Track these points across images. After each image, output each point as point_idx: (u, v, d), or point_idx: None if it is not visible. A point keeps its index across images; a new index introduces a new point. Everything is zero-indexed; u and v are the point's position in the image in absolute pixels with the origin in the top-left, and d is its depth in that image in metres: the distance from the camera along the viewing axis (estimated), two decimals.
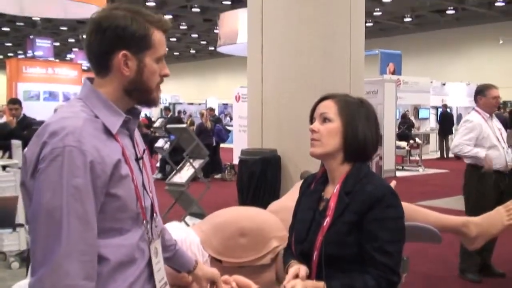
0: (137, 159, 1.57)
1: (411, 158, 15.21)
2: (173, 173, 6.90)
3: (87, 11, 11.31)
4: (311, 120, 1.85)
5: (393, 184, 2.70)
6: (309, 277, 1.72)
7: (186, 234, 2.56)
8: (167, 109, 16.39)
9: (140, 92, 1.54)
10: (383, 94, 13.40)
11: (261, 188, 6.52)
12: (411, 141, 14.96)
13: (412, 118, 17.48)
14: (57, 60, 17.66)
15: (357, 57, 7.39)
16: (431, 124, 19.48)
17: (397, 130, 14.71)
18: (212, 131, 12.59)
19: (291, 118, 6.73)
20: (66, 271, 1.33)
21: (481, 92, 4.99)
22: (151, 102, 1.58)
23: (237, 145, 11.88)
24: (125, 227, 1.50)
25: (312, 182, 1.89)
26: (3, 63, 21.96)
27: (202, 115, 12.88)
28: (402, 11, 23.23)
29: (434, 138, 19.17)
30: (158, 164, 12.86)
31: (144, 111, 27.31)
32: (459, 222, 2.39)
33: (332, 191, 1.77)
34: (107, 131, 1.47)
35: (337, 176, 1.78)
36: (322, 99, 1.85)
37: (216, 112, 21.61)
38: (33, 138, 1.44)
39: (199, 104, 25.81)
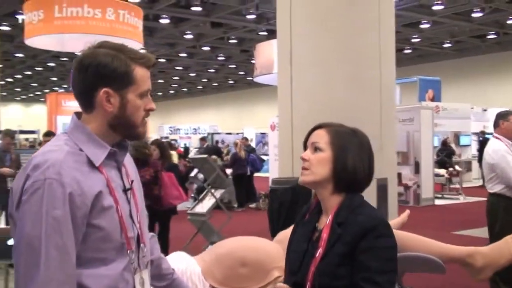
0: (124, 190, 1.58)
1: (451, 186, 14.84)
2: (195, 203, 6.94)
3: None
4: (305, 148, 1.84)
5: (406, 213, 2.64)
6: None
7: (186, 264, 2.58)
8: (203, 139, 16.56)
9: (125, 127, 1.58)
10: (419, 121, 13.22)
11: (291, 217, 6.45)
12: (451, 169, 14.62)
13: (452, 145, 17.13)
14: None
15: (387, 83, 7.32)
16: (473, 151, 19.04)
17: (435, 157, 14.43)
18: (246, 160, 12.64)
19: None
20: None
21: (504, 117, 4.86)
22: (136, 136, 1.62)
23: (272, 174, 11.90)
24: (109, 257, 1.51)
25: (306, 212, 1.89)
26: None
27: (236, 145, 12.96)
28: (441, 37, 22.98)
29: (476, 165, 18.69)
30: (192, 194, 12.96)
31: (184, 141, 27.68)
32: (464, 253, 2.32)
33: (325, 222, 1.76)
34: (91, 164, 1.51)
35: (329, 206, 1.78)
36: (315, 128, 1.85)
37: (254, 142, 21.70)
38: (20, 171, 1.49)
39: (237, 133, 25.99)
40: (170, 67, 28.92)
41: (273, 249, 2.56)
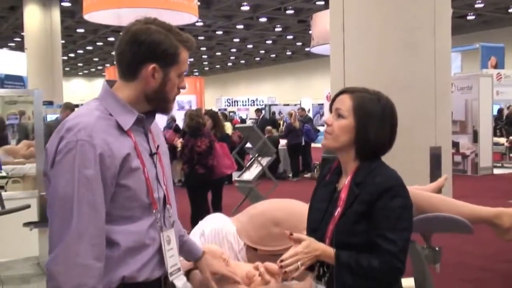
0: (151, 154, 1.71)
1: (511, 155, 14.38)
2: (243, 170, 7.07)
3: (179, 19, 11.79)
4: (330, 111, 1.89)
5: (443, 178, 2.67)
6: (321, 263, 1.79)
7: (222, 224, 2.72)
8: (258, 110, 16.67)
9: (160, 101, 1.70)
10: (478, 89, 12.84)
11: None
12: (511, 137, 14.16)
13: None
14: None
15: (442, 51, 7.18)
16: None
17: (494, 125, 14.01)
18: (301, 130, 12.67)
19: None
20: (76, 251, 1.51)
21: None
22: (167, 110, 1.75)
23: None
24: (136, 215, 1.64)
25: (328, 173, 1.95)
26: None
27: (290, 115, 12.99)
28: (506, 2, 21.99)
29: None
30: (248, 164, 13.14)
31: (241, 113, 27.95)
32: (492, 213, 2.33)
33: (344, 183, 1.82)
34: (120, 128, 1.63)
35: (349, 168, 1.83)
36: (340, 92, 1.88)
37: (311, 113, 21.62)
38: (54, 133, 1.62)
39: (294, 105, 25.97)
40: (228, 39, 29.07)
41: (304, 210, 2.66)
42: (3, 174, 6.15)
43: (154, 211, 1.68)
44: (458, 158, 12.77)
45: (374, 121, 1.79)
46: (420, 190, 2.50)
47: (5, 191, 5.77)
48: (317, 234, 1.82)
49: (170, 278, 1.73)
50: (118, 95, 1.67)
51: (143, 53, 1.63)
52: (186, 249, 2.06)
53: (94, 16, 12.20)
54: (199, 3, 13.96)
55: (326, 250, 1.73)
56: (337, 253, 1.71)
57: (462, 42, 19.26)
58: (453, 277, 4.86)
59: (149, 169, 1.67)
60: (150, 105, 1.70)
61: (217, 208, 6.88)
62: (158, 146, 1.76)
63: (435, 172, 6.89)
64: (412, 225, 1.77)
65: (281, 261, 1.73)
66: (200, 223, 2.83)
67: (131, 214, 1.63)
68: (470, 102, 12.95)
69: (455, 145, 12.08)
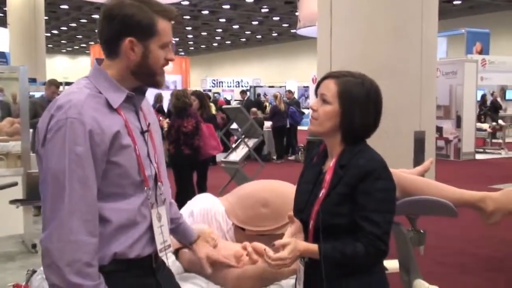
0: (142, 132, 1.72)
1: (493, 140, 14.58)
2: (229, 151, 7.10)
3: None
4: (316, 96, 1.91)
5: (429, 161, 2.72)
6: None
7: (211, 204, 2.76)
8: (243, 92, 16.65)
9: (145, 75, 1.70)
10: (463, 74, 12.95)
11: None
12: (494, 123, 14.34)
13: (498, 99, 16.73)
14: None
15: (429, 36, 7.22)
16: None
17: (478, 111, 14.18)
18: (286, 113, 12.70)
19: None
20: (70, 228, 1.53)
21: None
22: (155, 83, 1.74)
23: None
24: (128, 192, 1.66)
25: (314, 156, 1.98)
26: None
27: (276, 97, 13.01)
28: None
29: None
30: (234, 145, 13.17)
31: (226, 95, 27.87)
32: (476, 197, 2.38)
33: (329, 165, 1.86)
34: (110, 106, 1.64)
35: (335, 151, 1.87)
36: (325, 77, 1.90)
37: (296, 95, 21.62)
38: (45, 111, 1.63)
39: (280, 87, 25.96)
40: (214, 19, 28.87)
41: (293, 192, 2.70)
42: None
43: (145, 188, 1.69)
44: (441, 143, 12.91)
45: (359, 105, 1.82)
46: (406, 173, 2.54)
47: None
48: (302, 214, 1.87)
49: (160, 254, 1.76)
50: (107, 74, 1.68)
51: (118, 28, 1.64)
52: (181, 232, 2.10)
53: None
54: None
55: (309, 248, 1.78)
56: (320, 249, 1.75)
57: (448, 27, 19.32)
58: (434, 260, 4.97)
59: (140, 147, 1.68)
60: (137, 80, 1.71)
61: (202, 188, 6.91)
62: (149, 124, 1.77)
63: (418, 156, 6.98)
64: (395, 207, 1.81)
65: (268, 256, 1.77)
66: (189, 203, 2.86)
67: (122, 191, 1.65)
68: (454, 87, 13.07)
69: (439, 130, 12.20)
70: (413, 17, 7.04)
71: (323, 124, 1.84)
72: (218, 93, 27.25)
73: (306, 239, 1.85)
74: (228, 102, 19.98)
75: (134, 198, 1.67)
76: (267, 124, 12.97)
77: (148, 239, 1.72)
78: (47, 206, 1.56)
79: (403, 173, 2.53)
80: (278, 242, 1.79)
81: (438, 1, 7.70)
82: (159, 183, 1.77)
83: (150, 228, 1.72)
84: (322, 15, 7.65)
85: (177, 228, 2.07)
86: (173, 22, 1.72)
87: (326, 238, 1.77)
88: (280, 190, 2.75)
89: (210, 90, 26.74)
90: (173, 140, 6.58)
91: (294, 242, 1.77)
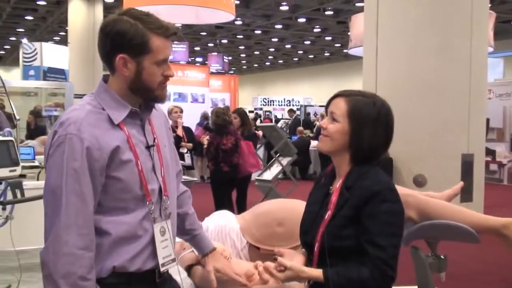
0: (147, 147, 1.72)
1: None
2: (263, 169, 7.05)
3: (217, 17, 11.85)
4: (326, 114, 1.88)
5: (459, 185, 2.59)
6: (310, 266, 1.79)
7: (226, 221, 2.72)
8: (291, 110, 16.64)
9: (142, 91, 1.70)
10: None
11: None
12: None
13: None
14: (182, 62, 18.60)
15: (479, 54, 7.01)
16: None
17: None
18: None
19: (405, 119, 6.55)
20: (65, 241, 1.55)
21: None
22: (155, 98, 1.74)
23: None
24: (129, 206, 1.66)
25: (323, 176, 1.95)
26: None
27: (322, 116, 12.91)
28: None
29: None
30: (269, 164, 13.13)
31: (277, 113, 27.92)
32: (499, 223, 2.23)
33: (336, 186, 1.81)
34: (111, 122, 1.65)
35: (342, 171, 1.82)
36: (335, 96, 1.87)
37: None
38: (52, 127, 1.68)
39: None
40: (266, 39, 29.07)
41: None
42: (36, 163, 6.29)
43: (147, 202, 1.69)
44: (494, 167, 12.45)
45: (368, 125, 1.77)
46: (431, 196, 2.43)
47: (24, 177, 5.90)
48: (308, 236, 1.83)
49: (162, 269, 1.74)
50: (111, 89, 1.70)
51: (110, 45, 1.65)
52: (196, 243, 2.09)
53: None
54: (237, 2, 13.98)
55: (312, 274, 1.74)
56: (325, 274, 1.70)
57: (506, 47, 18.77)
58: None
59: (143, 161, 1.68)
60: (136, 96, 1.71)
61: (242, 206, 6.88)
62: (155, 138, 1.76)
63: (466, 179, 6.72)
64: (403, 230, 1.74)
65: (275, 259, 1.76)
66: (206, 219, 2.83)
67: (124, 205, 1.66)
68: (508, 109, 12.62)
69: (491, 153, 11.78)
70: (460, 34, 6.86)
71: (332, 142, 1.81)
72: (269, 111, 27.35)
73: (311, 261, 1.80)
74: (277, 120, 20.02)
75: (135, 212, 1.67)
76: (314, 143, 12.87)
77: (150, 253, 1.71)
78: (47, 219, 1.60)
79: (427, 195, 2.42)
80: (281, 260, 1.75)
81: (488, 17, 7.47)
82: (164, 197, 1.75)
83: (152, 242, 1.71)
84: (368, 33, 7.56)
85: (192, 240, 2.06)
86: (171, 38, 1.71)
87: (331, 261, 1.71)
88: (298, 209, 2.67)
89: (260, 109, 26.85)
90: (212, 157, 6.61)
91: (297, 268, 1.74)
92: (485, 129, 7.69)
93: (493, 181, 11.45)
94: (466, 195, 6.54)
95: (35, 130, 9.53)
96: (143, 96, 1.72)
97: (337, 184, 1.80)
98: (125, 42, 1.63)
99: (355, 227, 1.70)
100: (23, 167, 5.09)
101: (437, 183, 6.22)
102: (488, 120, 9.52)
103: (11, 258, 4.09)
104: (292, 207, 2.74)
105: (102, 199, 1.63)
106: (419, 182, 6.58)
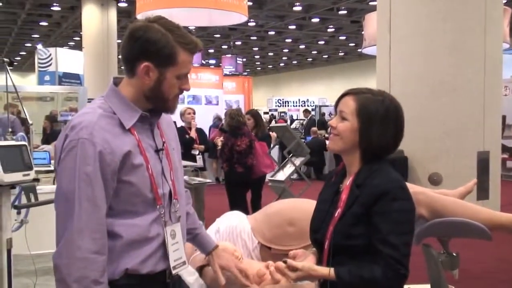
0: (156, 151, 1.73)
1: None
2: (276, 170, 7.05)
3: (230, 19, 11.88)
4: (335, 113, 1.87)
5: (472, 182, 2.57)
6: (320, 264, 1.78)
7: (237, 222, 2.73)
8: (306, 111, 16.61)
9: (157, 100, 1.70)
10: None
11: None
12: None
13: None
14: (196, 65, 18.64)
15: (493, 53, 6.94)
16: None
17: None
18: None
19: (419, 118, 6.52)
20: (78, 245, 1.56)
21: None
22: (166, 109, 1.75)
23: None
24: (140, 210, 1.67)
25: (334, 174, 1.94)
26: None
27: None
28: None
29: None
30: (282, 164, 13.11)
31: (292, 113, 27.90)
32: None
33: (346, 184, 1.80)
34: (122, 126, 1.66)
35: (352, 170, 1.82)
36: (344, 94, 1.86)
37: None
38: (62, 131, 1.68)
39: None
40: (280, 40, 29.05)
41: None
42: (52, 168, 6.36)
43: (158, 206, 1.70)
44: (510, 164, 12.31)
45: (377, 122, 1.76)
46: (444, 194, 2.41)
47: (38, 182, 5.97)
48: (318, 234, 1.82)
49: (173, 272, 1.75)
50: (122, 93, 1.70)
51: (137, 50, 1.65)
52: (198, 242, 2.09)
53: (146, 16, 12.45)
54: (251, 3, 13.99)
55: (323, 273, 1.72)
56: (337, 273, 1.69)
57: None
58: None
59: (153, 165, 1.69)
60: (149, 103, 1.71)
61: (257, 207, 6.87)
62: (164, 142, 1.77)
63: (482, 177, 6.66)
64: (414, 228, 1.72)
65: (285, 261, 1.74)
66: (217, 220, 2.84)
67: (134, 209, 1.67)
68: None
69: (508, 150, 11.65)
70: (474, 32, 6.80)
71: (342, 141, 1.80)
72: (284, 112, 27.34)
73: (321, 259, 1.79)
74: (292, 121, 20.00)
75: (146, 215, 1.69)
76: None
77: (161, 255, 1.73)
78: (59, 223, 1.61)
79: (443, 193, 2.40)
80: (290, 262, 1.74)
81: (503, 13, 7.40)
82: (174, 200, 1.77)
83: (163, 245, 1.72)
84: (381, 32, 7.53)
85: (194, 239, 2.07)
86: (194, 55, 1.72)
87: (341, 260, 1.70)
88: (309, 209, 2.67)
89: (276, 110, 26.84)
90: (226, 158, 6.63)
91: (308, 267, 1.73)
92: (501, 126, 7.61)
93: (510, 179, 11.32)
94: (482, 192, 6.48)
95: (51, 135, 9.62)
96: (156, 104, 1.72)
97: (347, 182, 1.80)
98: (154, 51, 1.63)
99: (364, 225, 1.70)
100: (39, 172, 5.14)
101: (453, 182, 6.17)
102: (504, 117, 9.42)
103: (27, 262, 4.14)
104: (303, 207, 2.73)
105: (113, 202, 1.63)
106: (434, 181, 6.53)
